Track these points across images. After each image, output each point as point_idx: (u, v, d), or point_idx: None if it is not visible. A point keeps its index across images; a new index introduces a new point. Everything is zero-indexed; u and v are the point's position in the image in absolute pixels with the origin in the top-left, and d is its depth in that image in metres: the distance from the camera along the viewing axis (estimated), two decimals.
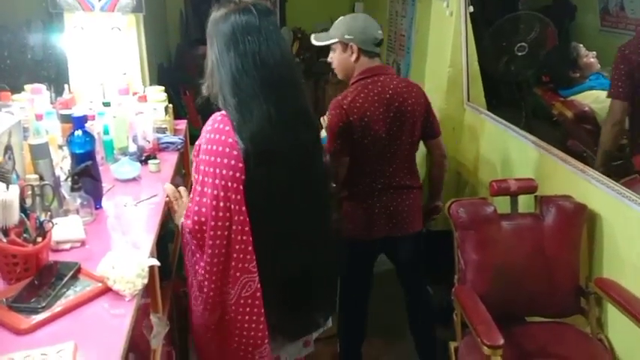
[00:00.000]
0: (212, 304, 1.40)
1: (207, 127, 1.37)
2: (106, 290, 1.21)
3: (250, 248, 1.37)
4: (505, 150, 2.45)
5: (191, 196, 1.43)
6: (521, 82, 3.07)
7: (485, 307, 1.65)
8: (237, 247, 1.36)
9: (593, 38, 3.34)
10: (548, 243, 1.84)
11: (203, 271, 1.38)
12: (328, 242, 1.56)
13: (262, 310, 1.42)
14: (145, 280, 1.23)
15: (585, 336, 1.80)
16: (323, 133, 2.02)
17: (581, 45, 2.64)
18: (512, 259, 1.84)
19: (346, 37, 2.01)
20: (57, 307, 1.13)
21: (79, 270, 1.26)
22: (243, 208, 1.34)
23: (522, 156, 2.32)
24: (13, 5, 2.23)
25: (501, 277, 1.82)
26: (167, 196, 1.59)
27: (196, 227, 1.37)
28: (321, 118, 2.37)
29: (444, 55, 2.80)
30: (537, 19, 3.10)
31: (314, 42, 2.20)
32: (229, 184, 1.32)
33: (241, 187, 1.33)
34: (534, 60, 2.98)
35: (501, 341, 1.49)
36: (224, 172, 1.32)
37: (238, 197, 1.33)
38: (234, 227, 1.34)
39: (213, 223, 1.34)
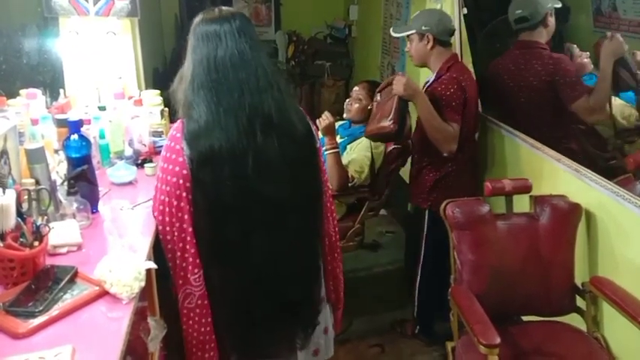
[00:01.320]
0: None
1: (169, 133, 1.40)
2: (104, 294, 1.21)
3: (192, 259, 1.38)
4: (499, 150, 2.46)
5: None
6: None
7: (481, 307, 1.66)
8: (178, 254, 1.38)
9: (586, 39, 3.35)
10: (543, 242, 1.85)
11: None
12: (296, 261, 1.45)
13: (208, 327, 1.42)
14: (142, 283, 1.23)
15: (581, 334, 1.80)
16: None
17: (575, 45, 2.65)
18: (507, 258, 1.85)
19: (423, 28, 2.26)
20: (54, 310, 1.14)
21: (75, 274, 1.26)
22: (185, 217, 1.36)
23: (517, 156, 2.34)
24: (8, 10, 2.23)
25: (497, 276, 1.82)
26: None
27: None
28: (317, 120, 2.38)
29: None
30: None
31: (393, 34, 2.44)
32: (173, 190, 1.35)
33: (184, 195, 1.35)
34: None
35: (498, 340, 1.50)
36: (168, 177, 1.35)
37: (181, 204, 1.35)
38: (176, 234, 1.37)
39: (161, 227, 1.39)
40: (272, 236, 1.40)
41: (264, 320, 1.44)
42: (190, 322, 1.41)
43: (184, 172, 1.33)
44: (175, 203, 1.35)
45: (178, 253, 1.38)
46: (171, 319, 1.48)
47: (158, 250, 1.46)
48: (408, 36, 2.31)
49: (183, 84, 1.38)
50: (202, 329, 1.42)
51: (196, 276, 1.39)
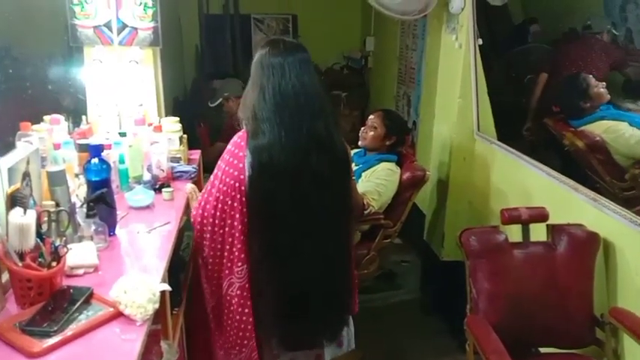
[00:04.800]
0: (210, 284, 1.64)
1: (232, 139, 1.60)
2: (118, 315, 1.22)
3: (237, 253, 1.57)
4: (516, 179, 2.45)
5: (203, 190, 1.65)
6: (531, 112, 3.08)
7: (498, 337, 1.63)
8: (227, 247, 1.58)
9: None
10: (561, 272, 1.81)
11: (206, 254, 1.62)
12: (337, 264, 1.67)
13: (244, 317, 1.60)
14: (156, 305, 1.24)
15: None
16: None
17: (591, 75, 2.66)
18: (524, 288, 1.82)
19: None
20: (69, 331, 1.15)
21: (91, 295, 1.27)
22: (237, 216, 1.55)
23: (533, 185, 2.32)
24: (36, 40, 2.31)
25: (514, 306, 1.79)
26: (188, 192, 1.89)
27: (198, 219, 1.61)
28: None
29: (453, 87, 2.83)
30: (547, 51, 3.13)
31: None
32: (229, 190, 1.55)
33: (239, 196, 1.55)
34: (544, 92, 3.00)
35: None
36: (227, 179, 1.55)
37: (235, 204, 1.55)
38: (227, 229, 1.57)
39: (211, 220, 1.58)
40: (319, 241, 1.60)
41: (306, 312, 1.63)
42: (232, 307, 1.61)
43: (242, 177, 1.54)
44: (230, 203, 1.55)
45: (227, 247, 1.58)
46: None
47: (172, 275, 1.48)
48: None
49: (250, 103, 1.57)
50: (241, 318, 1.61)
51: (240, 268, 1.58)
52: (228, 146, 1.59)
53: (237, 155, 1.55)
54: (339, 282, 1.69)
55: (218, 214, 1.57)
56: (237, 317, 1.61)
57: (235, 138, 1.59)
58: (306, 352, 1.77)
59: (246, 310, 1.61)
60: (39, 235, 1.29)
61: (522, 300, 1.81)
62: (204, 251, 1.63)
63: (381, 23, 4.58)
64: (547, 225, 1.92)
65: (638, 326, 1.61)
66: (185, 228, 1.91)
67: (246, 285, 1.60)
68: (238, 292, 1.59)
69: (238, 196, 1.55)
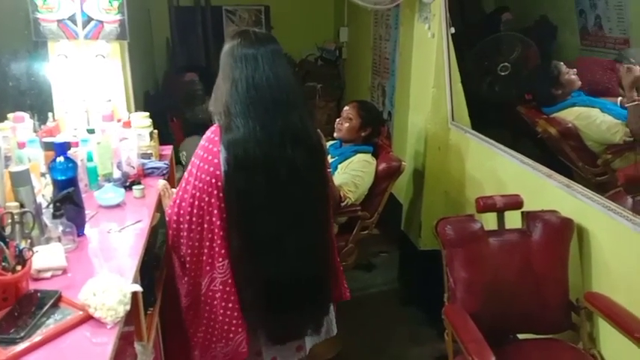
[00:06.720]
0: (186, 283, 1.62)
1: (205, 135, 1.57)
2: (88, 318, 1.18)
3: (218, 249, 1.56)
4: (490, 167, 2.46)
5: (178, 188, 1.63)
6: (505, 101, 3.11)
7: (475, 325, 1.64)
8: (206, 243, 1.56)
9: (574, 57, 3.40)
10: (536, 258, 1.83)
11: (183, 253, 1.59)
12: (318, 255, 1.66)
13: (229, 311, 1.58)
14: (127, 307, 1.21)
15: (577, 352, 1.78)
16: None
17: (562, 63, 2.68)
18: (501, 275, 1.83)
19: None
20: (37, 336, 1.10)
21: (59, 298, 1.23)
22: (215, 211, 1.53)
23: (508, 173, 2.33)
24: None
25: (491, 294, 1.80)
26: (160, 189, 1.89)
27: (174, 217, 1.59)
28: None
29: (427, 76, 2.83)
30: (519, 39, 3.15)
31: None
32: (205, 187, 1.52)
33: (216, 192, 1.52)
34: (517, 79, 3.02)
35: (492, 359, 1.47)
36: (202, 175, 1.52)
37: (212, 200, 1.53)
38: (205, 225, 1.55)
39: (188, 217, 1.56)
40: (298, 233, 1.59)
41: (290, 304, 1.63)
42: (215, 302, 1.59)
43: (217, 172, 1.51)
44: (207, 199, 1.53)
45: (207, 243, 1.56)
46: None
47: (145, 274, 1.44)
48: None
49: (222, 97, 1.55)
50: (225, 312, 1.59)
51: (221, 264, 1.56)
52: (201, 142, 1.57)
53: (211, 150, 1.53)
54: (321, 271, 1.69)
55: (195, 211, 1.54)
56: (222, 311, 1.59)
57: (208, 133, 1.56)
58: (287, 345, 1.75)
59: (230, 305, 1.59)
60: (2, 238, 1.25)
61: (499, 287, 1.82)
62: (182, 249, 1.60)
63: (355, 13, 4.56)
64: (522, 212, 1.93)
65: (612, 310, 1.64)
66: (159, 225, 1.87)
67: (229, 280, 1.58)
68: (220, 287, 1.57)
69: (215, 191, 1.52)
